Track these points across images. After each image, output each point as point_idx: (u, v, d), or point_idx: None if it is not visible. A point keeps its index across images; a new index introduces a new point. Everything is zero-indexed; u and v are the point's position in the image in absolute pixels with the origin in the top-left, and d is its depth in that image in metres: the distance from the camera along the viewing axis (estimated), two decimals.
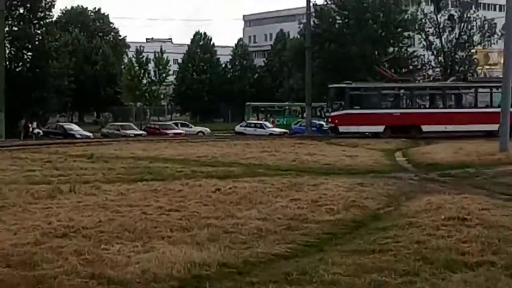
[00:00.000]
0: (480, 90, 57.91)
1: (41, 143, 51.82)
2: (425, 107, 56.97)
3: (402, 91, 57.64)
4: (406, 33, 73.37)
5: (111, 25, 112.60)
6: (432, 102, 57.64)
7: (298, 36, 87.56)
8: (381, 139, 49.19)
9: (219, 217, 17.13)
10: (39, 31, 68.64)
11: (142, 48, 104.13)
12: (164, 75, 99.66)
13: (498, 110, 53.94)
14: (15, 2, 66.58)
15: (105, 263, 12.32)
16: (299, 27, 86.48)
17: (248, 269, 12.07)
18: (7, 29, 63.45)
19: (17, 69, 66.16)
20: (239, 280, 11.33)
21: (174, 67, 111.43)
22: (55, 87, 68.45)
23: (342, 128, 54.45)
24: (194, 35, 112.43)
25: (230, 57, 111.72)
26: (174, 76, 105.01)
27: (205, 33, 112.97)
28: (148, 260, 12.41)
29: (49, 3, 69.71)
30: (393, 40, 72.71)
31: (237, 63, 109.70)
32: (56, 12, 75.35)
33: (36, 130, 67.34)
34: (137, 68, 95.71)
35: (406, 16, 72.06)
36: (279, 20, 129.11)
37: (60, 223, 16.21)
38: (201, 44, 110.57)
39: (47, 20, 70.65)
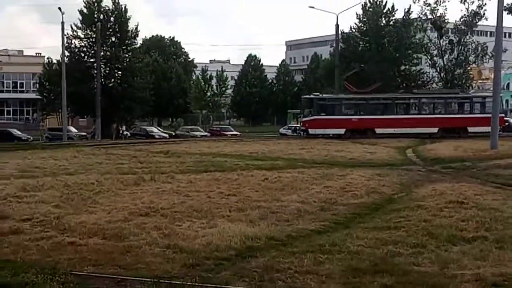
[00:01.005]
0: (423, 100, 57.23)
1: (128, 142, 52.36)
2: (378, 114, 55.82)
3: (359, 101, 57.16)
4: (415, 55, 72.66)
5: (183, 49, 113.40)
6: (384, 110, 56.61)
7: (329, 57, 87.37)
8: (393, 138, 48.78)
9: (267, 200, 17.17)
10: (127, 55, 69.23)
11: (206, 68, 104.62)
12: (223, 88, 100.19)
13: (438, 116, 54.29)
14: (108, 32, 67.21)
15: (178, 236, 12.42)
16: (330, 50, 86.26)
17: (290, 241, 12.08)
18: (102, 53, 64.14)
19: (110, 84, 66.75)
20: (283, 250, 11.33)
21: (231, 83, 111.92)
22: (139, 98, 69.01)
23: (311, 131, 54.03)
24: (247, 57, 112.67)
25: (275, 74, 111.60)
26: (231, 90, 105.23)
27: (255, 56, 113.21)
28: (212, 234, 12.48)
29: (134, 33, 70.28)
30: (405, 60, 72.07)
31: (280, 79, 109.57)
32: (139, 40, 75.82)
33: (125, 132, 68.16)
34: (202, 83, 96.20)
35: (414, 41, 71.39)
36: (314, 45, 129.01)
37: (143, 204, 16.38)
38: (252, 64, 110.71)
39: (133, 46, 71.22)
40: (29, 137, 61.89)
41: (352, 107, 56.77)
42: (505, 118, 57.91)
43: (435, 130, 53.18)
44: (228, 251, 11.18)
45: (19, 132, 63.74)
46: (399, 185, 21.00)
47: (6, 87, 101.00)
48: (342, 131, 53.27)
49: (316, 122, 53.85)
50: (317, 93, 60.71)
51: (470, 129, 53.06)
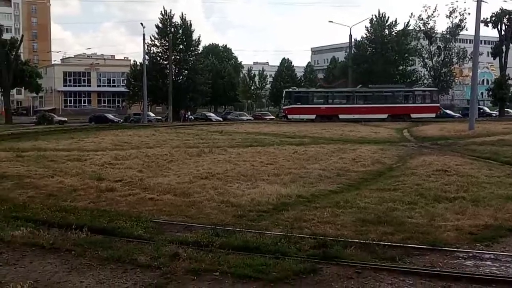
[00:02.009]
0: (376, 93, 55.58)
1: (192, 124, 52.65)
2: (341, 104, 54.81)
3: (327, 93, 56.40)
4: (410, 57, 71.51)
5: (233, 54, 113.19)
6: (346, 101, 55.40)
7: (344, 60, 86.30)
8: (392, 122, 48.05)
9: (296, 168, 17.15)
10: (191, 58, 69.32)
11: (251, 68, 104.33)
12: (264, 84, 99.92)
13: (387, 105, 53.45)
14: (177, 41, 67.42)
15: (229, 194, 12.50)
16: (345, 54, 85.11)
17: (314, 199, 12.06)
18: (173, 57, 64.41)
19: (178, 80, 67.02)
20: (308, 205, 11.33)
21: (269, 79, 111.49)
22: (200, 91, 69.24)
23: (290, 116, 53.58)
24: (282, 60, 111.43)
25: (302, 73, 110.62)
26: (270, 85, 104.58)
27: (288, 59, 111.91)
28: (255, 193, 12.53)
29: (197, 42, 70.42)
30: (402, 62, 70.96)
31: (307, 77, 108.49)
32: (201, 47, 75.90)
33: (190, 116, 68.51)
34: (248, 80, 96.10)
35: (410, 47, 70.23)
36: (332, 50, 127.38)
37: (204, 170, 16.50)
38: (285, 65, 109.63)
39: (196, 52, 71.32)
40: (119, 119, 62.69)
41: (321, 98, 55.81)
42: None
43: (385, 116, 52.27)
44: (267, 206, 11.23)
45: (112, 116, 64.65)
46: (397, 157, 20.75)
47: (103, 83, 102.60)
48: (313, 116, 52.50)
49: (293, 110, 53.53)
50: (294, 87, 60.77)
51: (413, 115, 52.49)
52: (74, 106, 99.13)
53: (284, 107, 56.22)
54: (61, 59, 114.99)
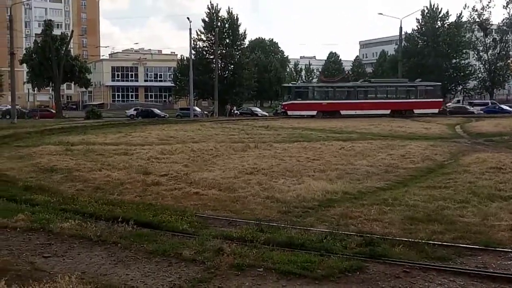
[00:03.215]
0: (378, 88, 54.19)
1: (238, 119, 52.82)
2: (343, 99, 53.10)
3: (328, 88, 54.45)
4: (464, 50, 69.55)
5: (279, 48, 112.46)
6: (348, 96, 53.77)
7: (394, 53, 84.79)
8: (444, 117, 46.92)
9: (343, 164, 17.03)
10: (237, 53, 69.44)
11: (297, 62, 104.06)
12: (310, 78, 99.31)
13: (388, 101, 52.09)
14: (223, 36, 67.69)
15: (274, 190, 12.52)
16: (394, 47, 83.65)
17: (361, 196, 11.95)
18: (219, 51, 64.78)
19: (224, 75, 67.34)
20: (355, 202, 11.23)
21: (316, 73, 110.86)
22: (246, 85, 69.38)
23: (289, 112, 51.73)
24: (329, 54, 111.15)
25: (350, 67, 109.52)
26: (316, 79, 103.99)
27: (335, 53, 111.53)
28: (300, 189, 12.52)
29: (243, 36, 70.40)
30: (455, 55, 69.04)
31: (355, 71, 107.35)
32: (247, 41, 75.95)
33: (235, 111, 68.83)
34: (294, 74, 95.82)
35: (464, 39, 68.31)
36: (382, 43, 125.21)
37: (249, 165, 16.59)
38: (332, 59, 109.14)
39: (242, 46, 71.39)
40: (166, 114, 63.50)
41: (322, 93, 54.02)
42: None
43: (388, 111, 50.98)
44: (313, 202, 11.20)
45: (158, 111, 65.53)
46: (449, 154, 20.29)
47: (150, 78, 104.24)
48: (314, 112, 50.93)
49: (293, 105, 51.92)
50: (294, 82, 58.88)
51: (416, 111, 51.44)
52: (122, 100, 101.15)
53: (283, 103, 54.44)
54: (109, 54, 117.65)
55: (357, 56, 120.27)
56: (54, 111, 63.63)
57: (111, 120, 50.57)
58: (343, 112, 50.85)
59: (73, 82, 75.79)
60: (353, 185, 13.12)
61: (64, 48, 64.07)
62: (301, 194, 11.83)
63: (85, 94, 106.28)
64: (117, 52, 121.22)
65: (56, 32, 70.02)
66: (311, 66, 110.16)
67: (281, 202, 11.22)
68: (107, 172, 15.43)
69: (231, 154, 19.85)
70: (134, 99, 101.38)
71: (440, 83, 57.66)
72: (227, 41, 68.61)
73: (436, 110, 52.81)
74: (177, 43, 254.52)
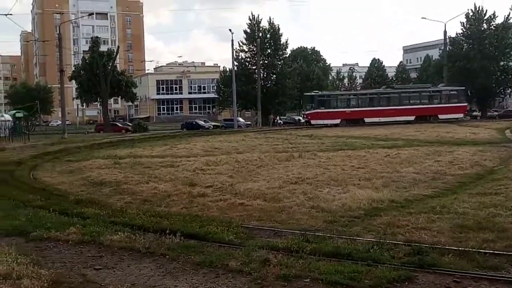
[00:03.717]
0: (402, 94, 53.02)
1: (281, 129, 52.86)
2: (366, 106, 52.13)
3: (351, 96, 53.84)
4: None
5: (321, 56, 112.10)
6: (372, 103, 52.81)
7: (438, 58, 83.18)
8: (492, 121, 45.71)
9: (389, 172, 16.81)
10: (279, 62, 69.57)
11: (340, 70, 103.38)
12: (353, 86, 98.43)
13: (412, 107, 51.24)
14: (265, 46, 67.91)
15: (320, 199, 12.46)
16: (439, 52, 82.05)
17: (408, 204, 11.76)
18: (261, 62, 65.11)
19: (267, 85, 67.47)
20: (401, 210, 11.05)
21: (359, 81, 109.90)
22: (289, 95, 69.32)
23: (313, 122, 51.04)
24: (372, 60, 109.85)
25: (394, 73, 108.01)
26: (360, 86, 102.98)
27: (379, 59, 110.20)
28: (345, 198, 12.42)
29: (285, 45, 70.42)
30: (503, 57, 67.13)
31: (399, 76, 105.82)
32: (289, 50, 75.98)
33: (279, 121, 68.90)
34: (337, 82, 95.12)
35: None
36: (426, 48, 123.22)
37: (293, 175, 16.57)
38: (376, 66, 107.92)
39: (284, 56, 71.47)
40: (210, 125, 64.14)
41: (346, 101, 53.51)
42: None
43: (412, 117, 50.22)
44: (359, 211, 11.08)
45: (203, 122, 66.30)
46: (499, 159, 19.73)
47: (193, 90, 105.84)
48: (338, 121, 50.27)
49: (317, 114, 51.29)
50: (317, 91, 57.72)
51: (441, 116, 50.52)
52: (167, 113, 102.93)
53: (306, 112, 53.91)
54: (154, 68, 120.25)
55: (400, 62, 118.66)
56: (120, 125, 64.99)
57: (157, 133, 51.45)
58: (367, 120, 50.36)
59: (120, 97, 77.69)
60: (399, 193, 12.91)
61: (110, 64, 65.80)
62: (346, 203, 11.73)
63: (131, 108, 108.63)
64: (161, 66, 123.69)
65: (103, 48, 72.00)
66: (354, 73, 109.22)
67: (327, 211, 11.14)
68: (154, 184, 15.69)
69: (275, 164, 19.87)
70: (179, 111, 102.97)
71: (464, 87, 56.80)
72: (269, 51, 68.87)
73: (461, 115, 52.28)
74: (219, 55, 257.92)
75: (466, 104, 55.12)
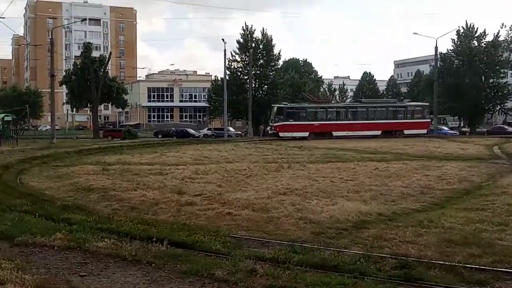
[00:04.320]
0: (369, 109, 53.19)
1: (272, 139, 52.62)
2: (334, 120, 51.94)
3: (320, 109, 52.95)
4: (502, 70, 68.27)
5: (313, 68, 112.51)
6: (340, 117, 52.71)
7: (429, 73, 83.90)
8: (481, 137, 46.00)
9: (377, 185, 16.85)
10: (271, 73, 69.77)
11: (331, 82, 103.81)
12: (344, 98, 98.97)
13: (379, 121, 51.35)
14: (258, 56, 68.13)
15: (308, 211, 12.46)
16: (430, 67, 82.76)
17: (395, 217, 11.79)
18: (253, 72, 65.23)
19: (258, 95, 67.53)
20: (389, 224, 11.09)
21: (350, 93, 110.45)
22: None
23: (281, 134, 49.99)
24: (363, 74, 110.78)
25: (385, 87, 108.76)
26: (350, 99, 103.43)
27: (370, 72, 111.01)
28: (334, 210, 12.43)
29: (277, 56, 70.73)
30: (493, 74, 67.77)
31: (389, 90, 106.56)
32: (281, 61, 76.25)
33: (269, 132, 68.86)
34: (328, 94, 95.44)
35: (502, 58, 67.11)
36: (417, 63, 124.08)
37: (282, 186, 16.56)
38: (367, 79, 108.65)
39: (276, 66, 71.72)
40: (200, 134, 64.05)
41: (314, 114, 52.53)
42: None
43: (379, 132, 50.17)
44: (346, 223, 11.10)
45: (193, 131, 66.18)
46: (486, 175, 19.87)
47: (185, 98, 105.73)
48: (306, 134, 49.48)
49: (285, 127, 50.19)
50: (286, 103, 56.42)
51: (406, 132, 50.68)
52: (157, 121, 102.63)
53: (275, 124, 51.89)
54: (145, 75, 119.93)
55: (391, 76, 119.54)
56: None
57: (146, 140, 51.31)
58: (335, 134, 49.81)
59: (110, 103, 77.40)
60: (387, 207, 12.95)
61: (102, 70, 65.62)
62: (334, 215, 11.74)
63: (121, 115, 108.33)
64: (153, 73, 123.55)
65: (95, 54, 71.82)
66: (345, 86, 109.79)
67: (315, 223, 11.15)
68: (142, 191, 15.62)
69: (264, 175, 19.86)
70: (169, 119, 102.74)
71: (428, 103, 57.18)
72: (261, 61, 69.10)
73: (425, 131, 52.21)
74: (212, 64, 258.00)
75: (429, 120, 55.55)
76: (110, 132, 64.63)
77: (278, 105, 54.79)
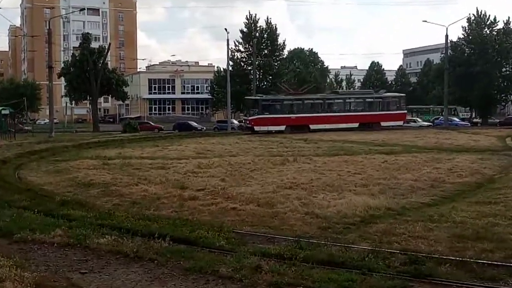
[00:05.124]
0: (346, 100, 52.39)
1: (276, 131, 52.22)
2: (311, 112, 50.29)
3: (297, 101, 50.83)
4: None
5: (319, 58, 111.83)
6: (317, 109, 51.16)
7: (439, 62, 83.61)
8: (493, 129, 45.77)
9: (386, 178, 16.84)
10: (276, 63, 69.65)
11: (338, 72, 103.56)
12: (351, 89, 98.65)
13: (356, 113, 50.37)
14: (262, 46, 68.02)
15: (314, 205, 12.47)
16: (440, 56, 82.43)
17: (405, 212, 11.80)
18: (257, 62, 65.15)
19: (263, 86, 67.48)
20: (398, 218, 11.09)
21: (358, 84, 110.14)
22: None
23: (257, 128, 47.87)
24: (371, 64, 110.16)
25: (393, 77, 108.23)
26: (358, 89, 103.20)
27: (378, 62, 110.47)
28: (341, 204, 12.44)
29: (282, 46, 70.59)
30: (505, 62, 67.46)
31: (398, 80, 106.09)
32: (286, 51, 76.01)
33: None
34: (335, 85, 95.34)
35: None
36: (426, 52, 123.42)
37: (288, 180, 16.58)
38: (375, 69, 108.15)
39: (281, 56, 71.58)
40: (203, 127, 64.03)
41: (291, 106, 50.54)
42: None
43: (356, 124, 49.15)
44: (354, 218, 11.11)
45: (195, 124, 66.16)
46: (499, 167, 19.81)
47: (187, 90, 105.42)
48: (283, 127, 47.88)
49: (261, 120, 48.05)
50: (261, 95, 54.27)
51: (383, 123, 50.09)
52: (159, 113, 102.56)
53: (249, 118, 49.73)
54: (146, 67, 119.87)
55: (400, 66, 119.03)
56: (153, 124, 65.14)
57: (147, 133, 51.35)
58: (312, 127, 48.57)
59: (110, 95, 77.38)
60: (396, 201, 12.95)
61: (101, 61, 65.57)
62: (342, 210, 11.75)
63: (122, 107, 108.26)
64: (154, 65, 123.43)
65: (94, 45, 71.68)
66: (353, 77, 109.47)
67: (321, 218, 11.16)
68: (144, 186, 15.67)
69: (269, 168, 19.88)
70: (171, 111, 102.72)
71: (404, 94, 56.56)
72: (266, 51, 68.95)
73: (401, 123, 51.92)
74: (214, 54, 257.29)
75: (405, 111, 55.25)
76: (148, 125, 64.63)
77: (252, 97, 53.30)
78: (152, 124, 66.17)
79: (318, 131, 45.01)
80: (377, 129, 48.23)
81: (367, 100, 53.35)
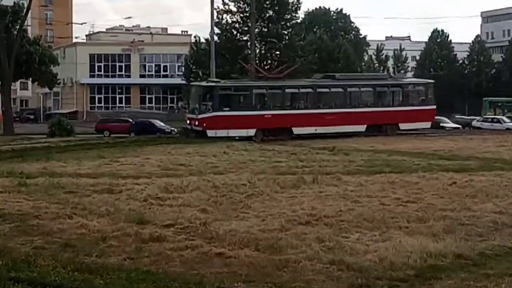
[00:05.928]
0: (347, 89, 51.36)
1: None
2: (295, 108, 50.48)
3: (273, 90, 50.54)
4: None
5: (352, 24, 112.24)
6: (304, 102, 51.37)
7: None
8: None
9: (455, 209, 16.86)
10: (286, 31, 69.72)
11: (382, 46, 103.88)
12: (402, 71, 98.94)
13: (365, 110, 50.03)
14: (264, 5, 68.09)
15: (344, 250, 12.47)
16: None
17: (484, 261, 11.79)
18: (257, 29, 65.08)
19: (266, 67, 67.55)
20: (474, 271, 11.09)
21: (411, 64, 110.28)
22: None
23: (210, 133, 45.57)
24: (432, 33, 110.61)
25: (467, 53, 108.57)
26: (412, 73, 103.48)
27: (442, 30, 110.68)
28: (386, 248, 12.44)
29: (296, 5, 70.62)
30: None
31: (474, 59, 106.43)
32: (301, 13, 76.11)
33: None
34: (376, 65, 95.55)
35: None
36: None
37: (303, 211, 16.57)
38: (438, 41, 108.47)
39: (294, 21, 71.63)
40: (173, 129, 63.95)
41: (264, 98, 50.79)
42: None
43: (363, 127, 48.64)
44: (406, 270, 11.11)
45: (162, 123, 66.17)
46: None
47: (148, 71, 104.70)
48: (252, 131, 46.19)
49: (217, 120, 45.97)
50: (217, 79, 51.78)
51: (402, 126, 50.13)
52: (105, 107, 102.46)
53: (199, 116, 47.13)
54: (87, 35, 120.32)
55: (477, 36, 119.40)
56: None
57: (88, 137, 51.37)
58: (296, 131, 47.13)
59: (30, 79, 77.44)
60: (471, 244, 12.97)
61: (17, 27, 65.65)
62: (387, 258, 11.76)
63: (48, 97, 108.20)
64: (98, 32, 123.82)
65: (6, 2, 71.77)
66: (404, 52, 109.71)
67: (355, 270, 11.17)
68: (82, 220, 15.64)
69: (275, 193, 19.91)
70: (124, 104, 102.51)
71: (432, 81, 56.30)
72: (270, 12, 68.96)
73: (428, 124, 51.73)
74: (191, 17, 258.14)
75: (435, 107, 53.62)
76: (105, 124, 64.92)
77: (202, 84, 52.47)
78: (130, 121, 66.18)
79: (309, 137, 44.45)
80: (393, 134, 47.93)
81: (378, 89, 52.62)
